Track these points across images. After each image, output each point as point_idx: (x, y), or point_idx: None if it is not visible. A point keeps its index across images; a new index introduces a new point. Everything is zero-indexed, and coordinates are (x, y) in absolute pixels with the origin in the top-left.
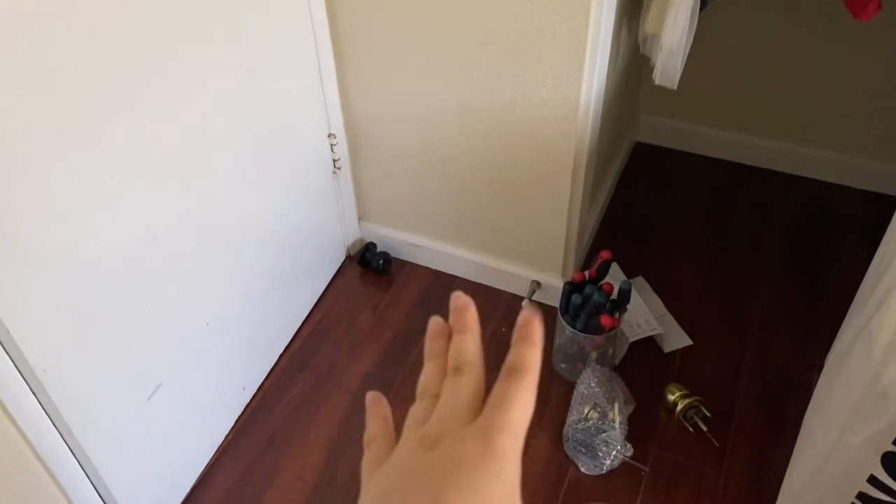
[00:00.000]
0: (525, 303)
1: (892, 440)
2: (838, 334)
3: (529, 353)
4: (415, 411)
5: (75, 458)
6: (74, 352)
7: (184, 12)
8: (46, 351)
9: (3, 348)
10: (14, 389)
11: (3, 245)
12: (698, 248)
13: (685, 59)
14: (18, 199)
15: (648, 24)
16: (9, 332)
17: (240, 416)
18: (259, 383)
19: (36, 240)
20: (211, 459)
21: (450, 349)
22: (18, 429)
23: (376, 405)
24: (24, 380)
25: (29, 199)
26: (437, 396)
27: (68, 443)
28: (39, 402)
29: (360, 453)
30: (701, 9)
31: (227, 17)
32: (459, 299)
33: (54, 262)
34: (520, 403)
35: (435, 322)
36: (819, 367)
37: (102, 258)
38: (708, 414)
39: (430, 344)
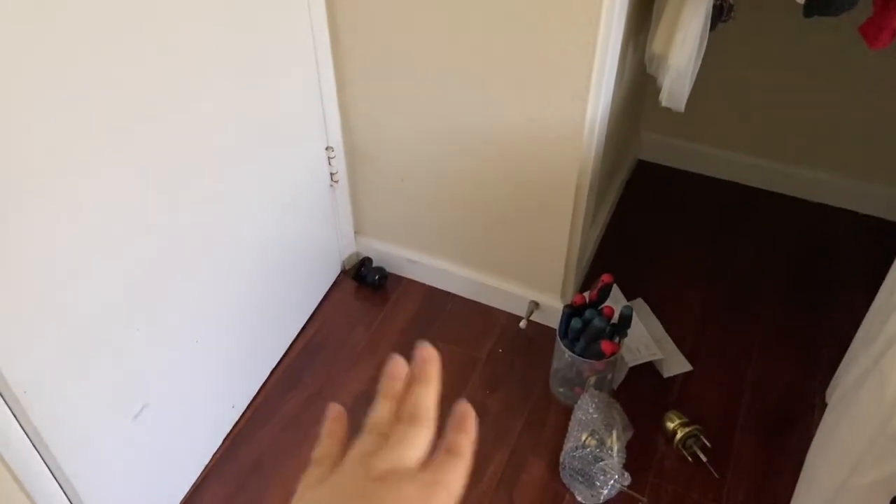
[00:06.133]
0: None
1: None
2: (841, 366)
3: (467, 442)
4: (363, 443)
5: (56, 479)
6: (55, 371)
7: (183, 23)
8: (26, 370)
9: None
10: None
11: None
12: (699, 270)
13: (693, 81)
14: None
15: (656, 44)
16: None
17: (228, 435)
18: (249, 401)
19: (18, 258)
20: (198, 479)
21: (409, 396)
22: None
23: (336, 423)
24: (4, 400)
25: (10, 218)
26: (384, 435)
27: (48, 464)
28: (19, 423)
29: None
30: (711, 28)
31: (228, 31)
32: (426, 350)
33: (36, 281)
34: (460, 475)
35: (396, 362)
36: (821, 399)
37: (88, 276)
38: (707, 444)
39: (387, 382)
